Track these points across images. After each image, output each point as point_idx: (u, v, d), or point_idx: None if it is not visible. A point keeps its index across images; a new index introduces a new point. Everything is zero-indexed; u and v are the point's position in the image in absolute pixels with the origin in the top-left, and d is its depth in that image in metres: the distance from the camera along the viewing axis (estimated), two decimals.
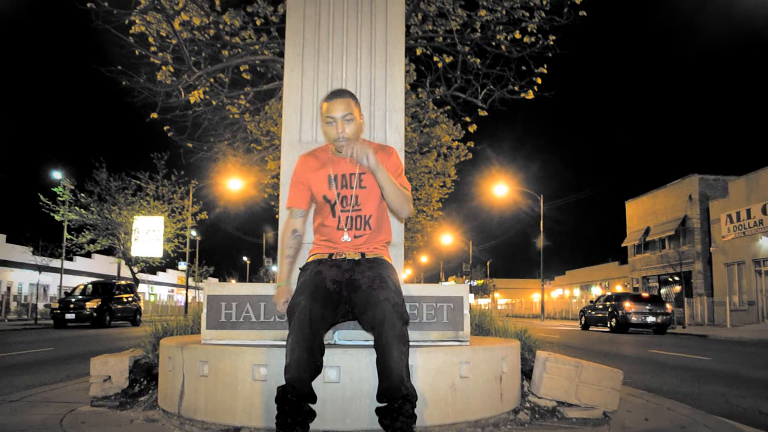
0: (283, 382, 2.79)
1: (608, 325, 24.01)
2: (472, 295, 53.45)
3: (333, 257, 3.15)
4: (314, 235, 3.34)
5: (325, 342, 3.49)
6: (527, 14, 8.98)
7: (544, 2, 8.68)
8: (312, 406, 2.87)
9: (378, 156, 3.07)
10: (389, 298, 2.84)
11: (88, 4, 7.79)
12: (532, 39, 9.04)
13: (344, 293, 3.01)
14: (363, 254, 3.16)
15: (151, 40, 8.71)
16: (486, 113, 9.66)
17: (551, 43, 9.00)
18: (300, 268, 3.25)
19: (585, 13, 8.61)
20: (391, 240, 3.38)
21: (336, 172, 3.20)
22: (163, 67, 8.90)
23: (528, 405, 3.96)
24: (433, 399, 3.29)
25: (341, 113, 3.07)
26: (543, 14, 8.86)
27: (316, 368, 2.87)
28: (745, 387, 6.82)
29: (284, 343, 2.92)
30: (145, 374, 4.34)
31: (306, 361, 2.77)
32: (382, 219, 3.27)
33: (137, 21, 8.47)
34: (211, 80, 9.20)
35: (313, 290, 2.91)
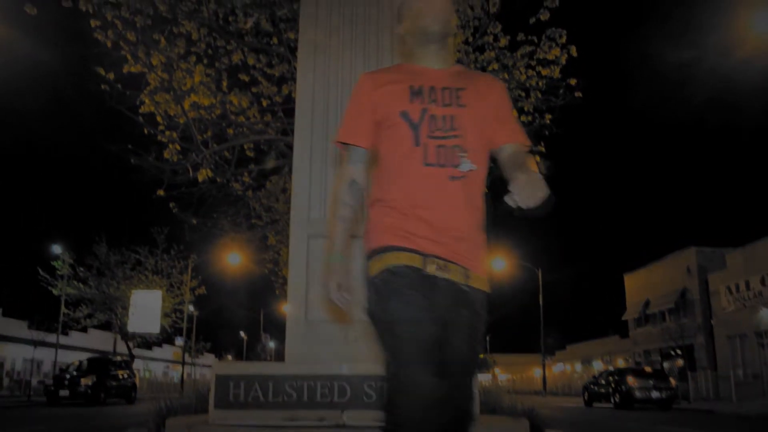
0: None
1: (612, 400, 23.53)
2: None
3: (419, 268, 1.97)
4: (373, 206, 2.13)
5: (333, 423, 3.49)
6: (523, 94, 9.30)
7: (540, 84, 9.00)
8: None
9: (475, 87, 2.18)
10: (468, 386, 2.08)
11: (103, 86, 8.11)
12: (529, 118, 9.32)
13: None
14: (467, 272, 2.04)
15: (159, 119, 8.98)
16: (487, 190, 9.82)
17: (548, 121, 9.29)
18: (372, 279, 2.03)
19: (580, 95, 8.93)
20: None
21: (420, 84, 2.13)
22: (171, 146, 9.13)
23: None
24: None
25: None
26: (539, 94, 9.17)
27: None
28: None
29: (293, 423, 2.93)
30: None
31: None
32: (483, 167, 2.21)
33: (147, 101, 8.75)
34: (217, 158, 9.43)
35: (422, 357, 1.88)
